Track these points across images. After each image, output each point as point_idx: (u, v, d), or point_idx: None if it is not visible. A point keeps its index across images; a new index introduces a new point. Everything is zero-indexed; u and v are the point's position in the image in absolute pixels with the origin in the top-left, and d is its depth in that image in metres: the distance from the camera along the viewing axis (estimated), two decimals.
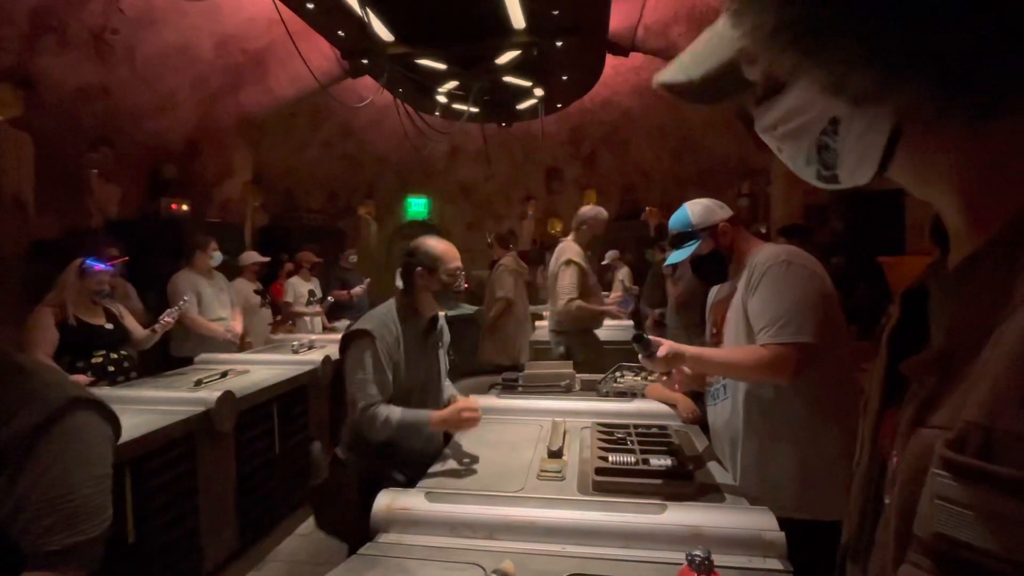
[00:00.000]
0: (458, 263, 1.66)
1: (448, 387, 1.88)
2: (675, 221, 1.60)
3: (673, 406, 1.88)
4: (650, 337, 1.37)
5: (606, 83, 6.01)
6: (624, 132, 7.57)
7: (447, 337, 1.87)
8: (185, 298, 3.10)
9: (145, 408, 2.16)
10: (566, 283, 2.97)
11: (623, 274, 5.63)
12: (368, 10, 3.51)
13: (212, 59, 4.82)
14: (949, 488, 0.30)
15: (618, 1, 4.22)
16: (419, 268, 1.64)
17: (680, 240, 1.58)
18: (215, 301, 3.55)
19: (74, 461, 0.80)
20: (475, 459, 1.57)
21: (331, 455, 1.69)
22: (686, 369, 1.38)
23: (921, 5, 0.31)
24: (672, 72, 0.46)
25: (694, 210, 1.56)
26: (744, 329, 1.39)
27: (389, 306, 1.68)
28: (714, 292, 1.66)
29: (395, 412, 1.54)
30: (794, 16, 0.34)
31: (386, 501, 1.16)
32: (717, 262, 1.54)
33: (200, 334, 3.40)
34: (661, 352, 1.33)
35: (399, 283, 5.76)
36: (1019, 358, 0.29)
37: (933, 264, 0.45)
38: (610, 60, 5.29)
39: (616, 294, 5.56)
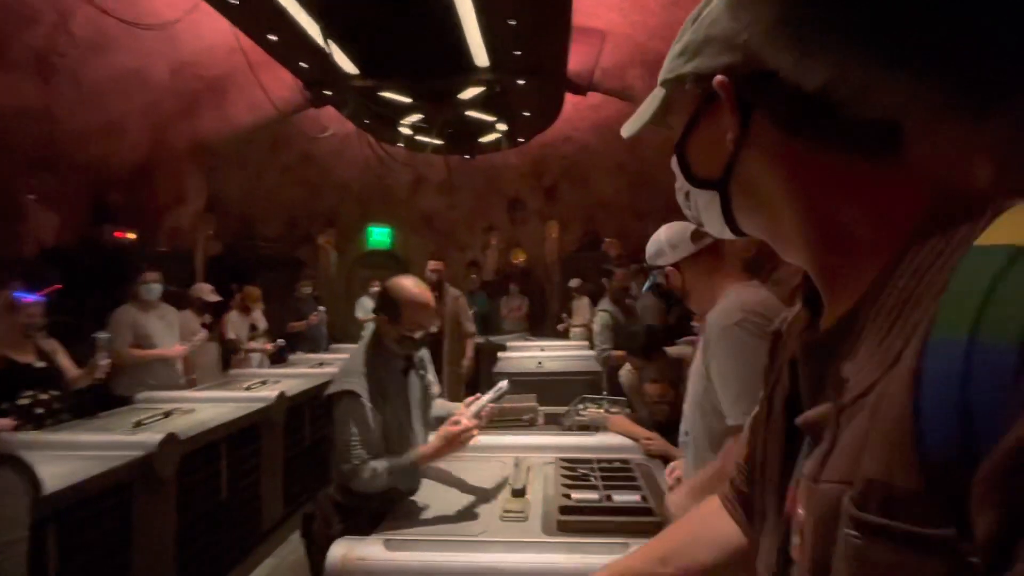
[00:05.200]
0: (425, 312, 1.56)
1: (443, 405, 1.81)
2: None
3: (636, 440, 1.89)
4: None
5: (567, 119, 6.21)
6: (584, 166, 7.80)
7: (426, 364, 1.77)
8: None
9: (76, 454, 1.99)
10: None
11: (583, 304, 5.72)
12: (331, 43, 3.53)
13: (167, 85, 4.70)
14: (858, 547, 0.31)
15: (577, 44, 4.41)
16: (381, 314, 1.57)
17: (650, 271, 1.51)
18: (164, 336, 3.37)
19: None
20: (437, 501, 1.52)
21: (330, 500, 1.57)
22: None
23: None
24: (625, 128, 0.53)
25: (649, 246, 1.44)
26: (702, 391, 1.27)
27: (361, 353, 1.58)
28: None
29: (381, 464, 1.44)
30: (794, 10, 0.34)
31: (341, 551, 1.10)
32: (671, 301, 1.45)
33: (143, 366, 3.21)
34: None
35: (358, 313, 5.42)
36: (907, 412, 0.30)
37: (801, 331, 0.47)
38: (570, 98, 5.49)
39: (576, 322, 5.63)
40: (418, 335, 1.56)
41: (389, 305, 1.55)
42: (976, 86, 0.32)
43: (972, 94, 0.32)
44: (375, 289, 6.06)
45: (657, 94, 0.49)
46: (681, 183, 0.49)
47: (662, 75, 0.47)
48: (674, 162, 0.48)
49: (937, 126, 0.34)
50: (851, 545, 0.32)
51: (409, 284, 1.58)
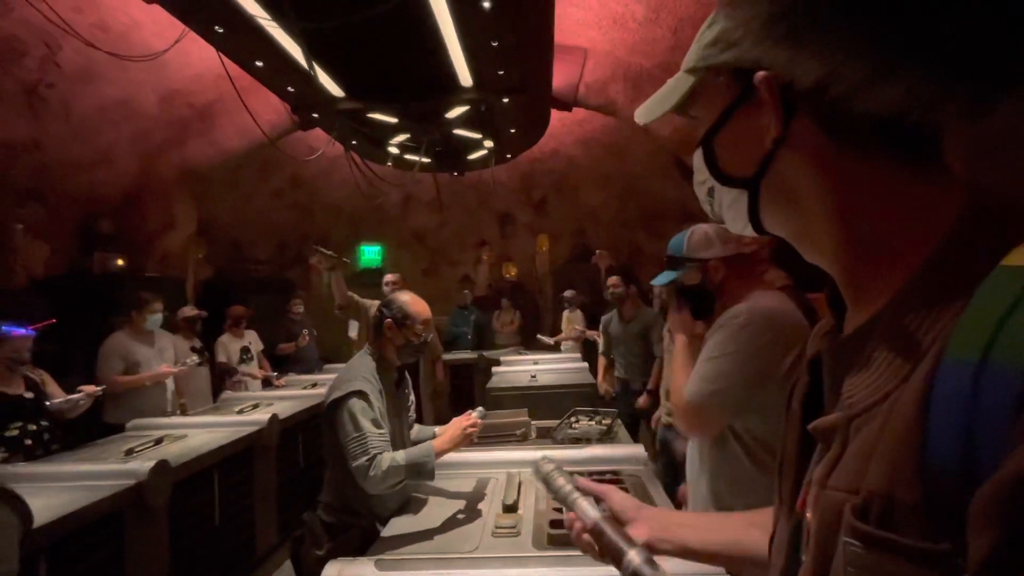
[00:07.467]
0: (427, 320, 1.73)
1: (424, 430, 1.90)
2: (672, 242, 1.46)
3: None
4: None
5: (553, 134, 6.30)
6: (572, 179, 7.89)
7: (409, 386, 1.89)
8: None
9: (67, 485, 1.98)
10: None
11: (576, 317, 5.74)
12: (316, 67, 3.59)
13: (155, 113, 4.74)
14: (858, 555, 0.32)
15: (560, 62, 4.51)
16: (388, 320, 1.69)
17: (671, 264, 1.44)
18: (155, 362, 3.36)
19: None
20: (429, 518, 1.53)
21: (319, 520, 1.60)
22: None
23: None
24: (640, 113, 0.51)
25: (692, 237, 1.41)
26: None
27: (365, 361, 1.68)
28: None
29: (399, 454, 1.50)
30: (789, 6, 0.34)
31: (333, 573, 1.10)
32: (702, 297, 1.38)
33: (136, 391, 3.21)
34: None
35: (351, 333, 5.30)
36: (914, 428, 0.30)
37: (826, 332, 0.46)
38: (556, 114, 5.59)
39: (566, 336, 5.65)
40: (419, 341, 1.69)
41: (397, 312, 1.69)
42: (975, 78, 0.31)
43: (971, 87, 0.31)
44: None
45: (683, 80, 0.46)
46: (704, 177, 0.46)
47: (692, 62, 0.44)
48: (697, 155, 0.46)
49: (968, 130, 0.33)
50: (850, 553, 0.32)
51: (409, 296, 1.75)
